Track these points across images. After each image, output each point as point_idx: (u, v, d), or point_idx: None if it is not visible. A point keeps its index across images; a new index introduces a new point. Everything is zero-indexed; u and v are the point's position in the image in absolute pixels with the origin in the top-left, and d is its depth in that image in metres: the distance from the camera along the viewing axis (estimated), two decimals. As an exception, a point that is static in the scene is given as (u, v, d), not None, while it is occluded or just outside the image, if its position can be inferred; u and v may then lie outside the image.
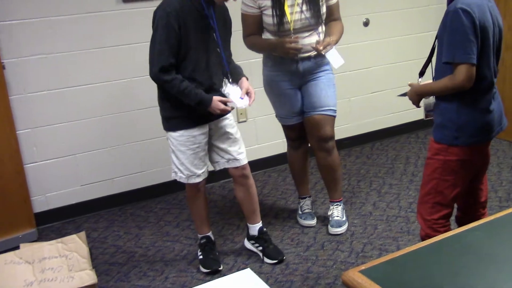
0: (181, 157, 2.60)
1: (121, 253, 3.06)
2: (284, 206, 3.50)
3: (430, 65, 2.22)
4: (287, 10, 2.76)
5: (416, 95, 2.18)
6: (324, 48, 2.75)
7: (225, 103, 2.53)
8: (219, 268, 2.80)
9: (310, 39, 2.82)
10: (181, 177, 2.66)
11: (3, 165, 3.12)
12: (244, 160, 2.75)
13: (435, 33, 2.12)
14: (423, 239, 2.20)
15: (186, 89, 2.45)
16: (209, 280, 2.60)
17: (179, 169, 2.64)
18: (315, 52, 2.80)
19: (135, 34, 3.44)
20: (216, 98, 2.51)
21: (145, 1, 3.42)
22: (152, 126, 3.53)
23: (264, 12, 2.81)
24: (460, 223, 2.35)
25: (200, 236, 2.89)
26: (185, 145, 2.58)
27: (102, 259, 3.00)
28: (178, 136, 2.57)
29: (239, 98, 2.57)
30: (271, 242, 2.89)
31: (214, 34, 2.54)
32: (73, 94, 3.35)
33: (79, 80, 3.36)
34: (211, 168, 2.77)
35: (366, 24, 4.19)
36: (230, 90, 2.58)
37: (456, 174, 2.12)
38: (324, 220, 3.22)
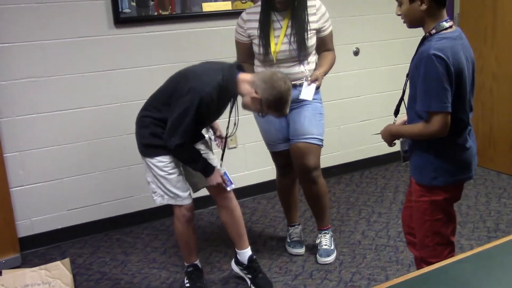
0: (163, 181, 2.61)
1: (106, 280, 3.00)
2: (273, 233, 3.47)
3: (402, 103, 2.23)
4: (273, 41, 2.80)
5: (390, 136, 2.19)
6: (312, 81, 2.81)
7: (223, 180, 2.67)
8: (206, 297, 2.75)
9: (294, 69, 2.85)
10: (169, 199, 2.65)
11: (-11, 188, 3.08)
12: None
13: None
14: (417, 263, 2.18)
15: (197, 156, 2.58)
16: (195, 309, 2.55)
17: (165, 192, 2.63)
18: (301, 81, 2.84)
19: (126, 59, 3.45)
20: (217, 172, 2.64)
21: (137, 27, 3.45)
22: (141, 151, 3.52)
23: (253, 41, 2.86)
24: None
25: (187, 264, 2.85)
26: (163, 170, 2.59)
27: (87, 286, 2.94)
28: (156, 162, 2.59)
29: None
30: (261, 271, 2.86)
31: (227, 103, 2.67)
32: (62, 118, 3.34)
33: (68, 104, 3.35)
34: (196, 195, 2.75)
35: (356, 53, 4.24)
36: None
37: (446, 210, 2.12)
38: (313, 248, 3.19)
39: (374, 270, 2.96)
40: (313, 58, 2.93)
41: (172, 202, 2.66)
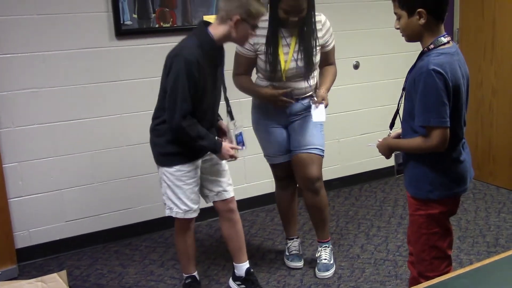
0: (177, 192, 2.59)
1: (103, 292, 2.99)
2: (271, 246, 3.46)
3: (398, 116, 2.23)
4: (282, 58, 2.79)
5: (388, 150, 2.19)
6: (319, 102, 2.78)
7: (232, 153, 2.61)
8: (204, 310, 2.74)
9: (300, 84, 2.86)
10: (177, 212, 2.62)
11: (-13, 198, 3.07)
12: (232, 192, 2.77)
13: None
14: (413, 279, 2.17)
15: (204, 133, 2.51)
16: (192, 323, 2.53)
17: (175, 204, 2.61)
18: (303, 95, 2.84)
19: (127, 70, 3.46)
20: (225, 144, 2.58)
21: (139, 39, 3.46)
22: (140, 163, 3.51)
23: (260, 56, 2.83)
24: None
25: (185, 275, 2.83)
26: (181, 180, 2.57)
27: (84, 298, 2.93)
28: (174, 171, 2.56)
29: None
30: (258, 284, 2.84)
31: (219, 70, 2.62)
32: (62, 129, 3.34)
33: (68, 115, 3.35)
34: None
35: (356, 67, 4.26)
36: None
37: (442, 224, 2.12)
38: (312, 262, 3.17)
39: (373, 284, 2.94)
40: (315, 72, 2.94)
41: (180, 216, 2.63)
